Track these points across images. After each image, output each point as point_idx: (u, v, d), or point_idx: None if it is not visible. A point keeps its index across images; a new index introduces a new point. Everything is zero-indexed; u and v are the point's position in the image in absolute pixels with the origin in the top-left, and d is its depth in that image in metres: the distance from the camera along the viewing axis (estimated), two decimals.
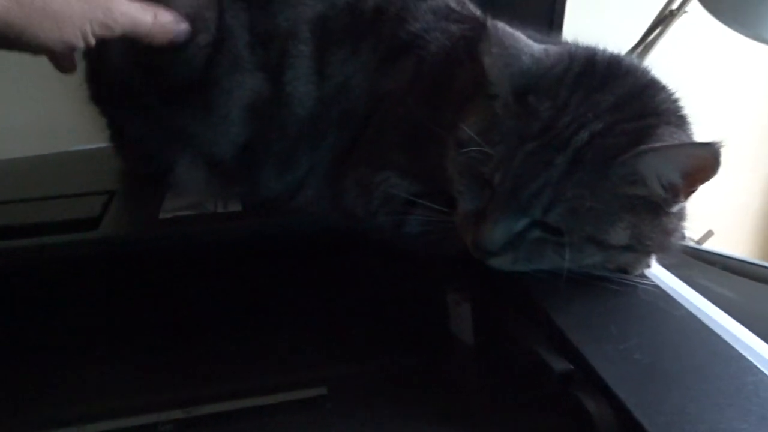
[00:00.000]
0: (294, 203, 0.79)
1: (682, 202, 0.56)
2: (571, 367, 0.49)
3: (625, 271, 0.59)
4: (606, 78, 0.58)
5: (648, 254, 0.60)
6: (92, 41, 0.58)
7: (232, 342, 0.69)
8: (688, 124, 0.59)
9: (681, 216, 0.60)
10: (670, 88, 0.61)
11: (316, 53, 0.75)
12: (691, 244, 1.25)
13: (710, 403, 0.42)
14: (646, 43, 1.25)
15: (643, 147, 0.52)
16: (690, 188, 0.54)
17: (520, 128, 0.56)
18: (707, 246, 1.27)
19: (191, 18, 0.72)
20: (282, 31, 0.75)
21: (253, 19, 0.76)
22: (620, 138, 0.54)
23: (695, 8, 1.12)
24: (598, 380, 0.45)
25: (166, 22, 0.67)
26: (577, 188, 0.53)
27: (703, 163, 0.52)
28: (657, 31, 1.23)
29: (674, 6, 1.20)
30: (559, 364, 0.49)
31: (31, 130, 1.27)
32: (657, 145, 0.52)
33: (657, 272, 0.61)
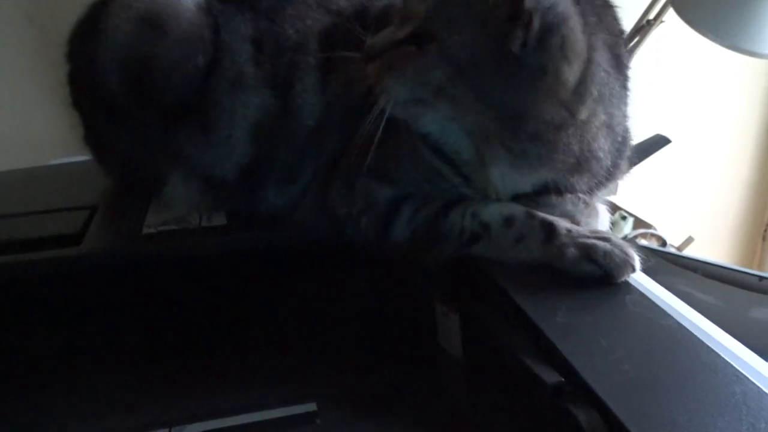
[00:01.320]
0: (295, 215, 0.77)
1: None
2: (561, 378, 0.49)
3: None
4: None
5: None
6: None
7: (220, 358, 0.68)
8: None
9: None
10: None
11: (322, 63, 0.74)
12: (672, 250, 1.26)
13: (700, 413, 0.42)
14: None
15: None
16: None
17: None
18: (688, 252, 1.28)
19: (188, 40, 0.71)
20: (291, 44, 0.74)
21: (260, 31, 0.75)
22: None
23: (672, 18, 1.14)
24: (589, 391, 0.45)
25: None
26: None
27: None
28: (635, 40, 1.24)
29: (651, 16, 1.22)
30: (549, 376, 0.49)
31: (10, 143, 1.25)
32: None
33: (643, 282, 0.61)
